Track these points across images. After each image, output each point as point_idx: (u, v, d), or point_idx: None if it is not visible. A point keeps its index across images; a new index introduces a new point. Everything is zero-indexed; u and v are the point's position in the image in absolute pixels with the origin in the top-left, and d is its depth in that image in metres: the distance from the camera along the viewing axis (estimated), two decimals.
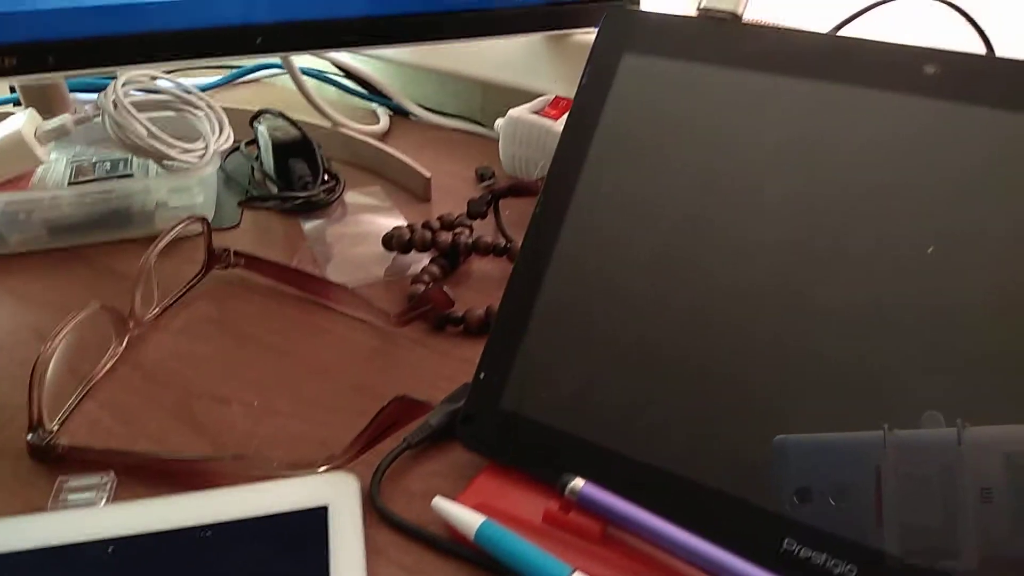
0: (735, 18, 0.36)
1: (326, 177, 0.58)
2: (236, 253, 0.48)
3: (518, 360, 0.35)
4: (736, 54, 0.35)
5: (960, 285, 0.29)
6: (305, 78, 0.65)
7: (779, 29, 0.35)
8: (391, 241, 0.50)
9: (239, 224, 0.55)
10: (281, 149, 0.55)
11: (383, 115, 0.74)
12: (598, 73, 0.37)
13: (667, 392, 0.32)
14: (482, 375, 0.35)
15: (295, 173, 0.54)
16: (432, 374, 0.41)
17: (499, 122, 0.62)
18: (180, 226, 0.46)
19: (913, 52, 0.32)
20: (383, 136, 0.71)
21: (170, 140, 0.49)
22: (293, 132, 0.55)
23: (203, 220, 0.46)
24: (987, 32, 0.47)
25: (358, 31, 0.56)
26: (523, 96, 0.67)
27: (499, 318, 0.36)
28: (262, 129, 0.57)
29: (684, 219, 0.34)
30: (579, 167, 0.36)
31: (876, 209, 0.31)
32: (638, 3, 0.64)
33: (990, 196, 0.29)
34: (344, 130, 0.64)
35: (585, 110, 0.37)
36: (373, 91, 0.76)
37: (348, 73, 0.75)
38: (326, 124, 0.65)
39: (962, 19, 0.41)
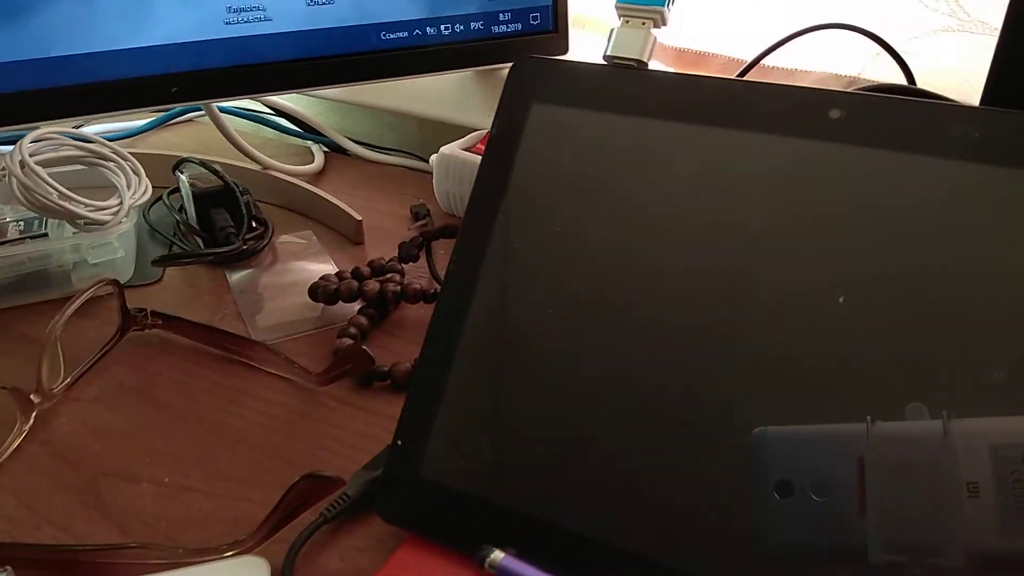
0: (641, 65, 0.35)
1: (254, 224, 0.57)
2: (153, 313, 0.46)
3: (436, 425, 0.34)
4: (642, 102, 0.34)
5: (870, 332, 0.28)
6: (236, 119, 0.64)
7: (685, 76, 0.34)
8: (317, 292, 0.48)
9: (162, 278, 0.53)
10: (202, 199, 0.53)
11: (318, 153, 0.72)
12: (507, 124, 0.36)
13: (590, 454, 0.31)
14: (399, 442, 0.34)
15: (217, 224, 0.53)
16: (356, 435, 0.40)
17: (433, 158, 0.61)
18: (90, 291, 0.44)
19: (819, 96, 0.32)
20: (318, 175, 0.70)
21: (82, 200, 0.48)
22: (214, 181, 0.54)
23: (114, 283, 0.45)
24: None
25: (281, 75, 0.55)
26: (461, 129, 0.66)
27: (415, 381, 0.35)
28: (183, 179, 0.55)
29: (597, 273, 0.33)
30: (491, 222, 0.35)
31: (787, 257, 0.30)
32: (565, 43, 0.63)
33: (901, 239, 0.29)
34: (273, 173, 0.63)
35: (495, 163, 0.36)
36: (309, 128, 0.75)
37: (280, 112, 0.74)
38: (256, 167, 0.64)
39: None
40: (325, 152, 0.74)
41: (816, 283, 0.29)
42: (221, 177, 0.54)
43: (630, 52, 0.35)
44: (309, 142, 0.74)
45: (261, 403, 0.42)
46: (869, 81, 0.53)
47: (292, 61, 0.55)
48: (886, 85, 0.43)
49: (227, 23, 0.52)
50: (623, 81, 0.35)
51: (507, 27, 0.62)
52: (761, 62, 0.53)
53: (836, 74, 0.55)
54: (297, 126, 0.75)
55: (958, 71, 0.51)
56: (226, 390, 0.43)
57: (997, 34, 0.36)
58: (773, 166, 0.31)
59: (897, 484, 0.27)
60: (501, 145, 0.36)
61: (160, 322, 0.46)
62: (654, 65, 0.65)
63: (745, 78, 0.52)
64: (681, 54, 0.62)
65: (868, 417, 0.27)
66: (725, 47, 0.59)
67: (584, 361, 0.32)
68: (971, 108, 0.30)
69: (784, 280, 0.30)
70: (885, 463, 0.27)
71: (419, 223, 0.61)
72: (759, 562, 0.28)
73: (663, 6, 0.35)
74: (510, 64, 0.63)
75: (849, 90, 0.32)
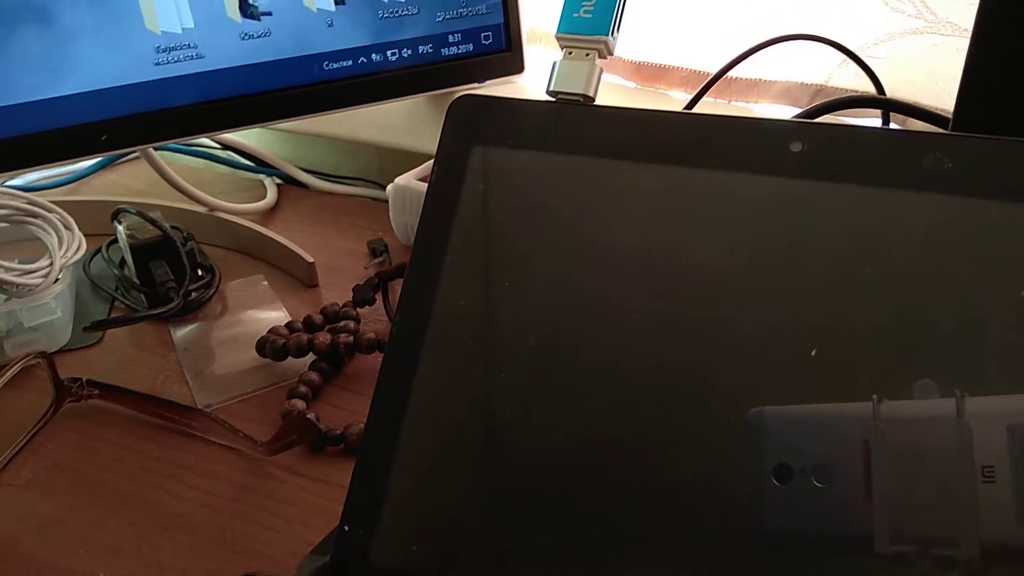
0: (587, 100, 0.32)
1: (200, 271, 0.54)
2: (90, 383, 0.43)
3: (385, 506, 0.31)
4: (590, 140, 0.31)
5: (845, 378, 0.26)
6: (183, 156, 0.61)
7: (635, 111, 0.31)
8: (264, 348, 0.45)
9: (103, 338, 0.50)
10: (140, 252, 0.50)
11: (271, 187, 0.69)
12: (447, 168, 0.34)
13: (546, 529, 0.29)
14: (346, 527, 0.31)
15: (157, 279, 0.49)
16: (307, 510, 0.37)
17: (389, 188, 0.58)
18: (17, 366, 0.41)
19: (778, 129, 0.29)
20: (271, 211, 0.67)
21: (6, 264, 0.45)
22: (153, 231, 0.51)
23: (43, 355, 0.42)
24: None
25: (218, 114, 0.52)
26: (420, 155, 0.63)
27: (360, 457, 0.32)
28: (120, 230, 0.52)
29: (547, 326, 0.30)
30: (436, 275, 0.33)
31: (748, 301, 0.28)
32: (520, 61, 0.61)
33: (869, 276, 0.26)
34: (220, 214, 0.60)
35: (437, 211, 0.33)
36: (260, 161, 0.72)
37: (228, 146, 0.71)
38: (203, 208, 0.60)
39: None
40: (279, 184, 0.71)
41: (781, 331, 0.27)
42: (159, 227, 0.50)
43: (574, 86, 0.32)
44: (262, 175, 0.71)
45: (204, 478, 0.39)
46: (836, 89, 0.51)
47: (229, 99, 0.52)
48: (852, 98, 0.41)
49: (156, 64, 0.49)
50: (568, 118, 0.32)
51: (458, 48, 0.59)
52: (725, 74, 0.51)
53: (802, 83, 0.52)
54: (248, 159, 0.72)
55: (928, 74, 0.48)
56: (166, 466, 0.40)
57: (967, 35, 0.34)
58: (731, 204, 0.29)
59: (906, 468, 0.24)
60: (442, 191, 0.33)
61: (97, 392, 0.43)
62: (612, 80, 0.63)
63: (705, 99, 0.49)
64: (640, 67, 0.59)
65: (874, 396, 0.25)
66: (687, 59, 0.57)
67: (537, 426, 0.30)
68: (938, 136, 0.27)
69: (749, 326, 0.27)
70: (893, 446, 0.24)
71: (377, 260, 0.58)
72: (757, 552, 0.25)
73: (607, 35, 0.32)
74: (466, 86, 0.61)
75: (810, 120, 0.29)
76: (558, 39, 0.33)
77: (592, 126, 0.32)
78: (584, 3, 0.32)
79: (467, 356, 0.31)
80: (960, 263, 0.26)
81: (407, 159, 0.64)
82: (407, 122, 0.66)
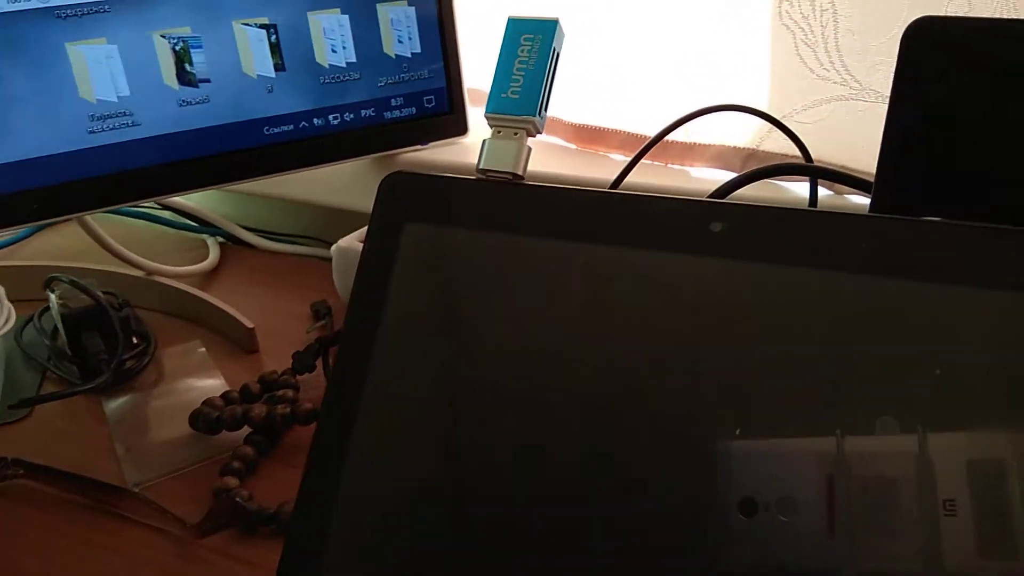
0: (516, 178, 0.33)
1: (135, 339, 0.53)
2: (15, 461, 0.42)
3: None
4: (518, 219, 0.32)
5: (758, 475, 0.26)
6: (123, 217, 0.60)
7: (562, 190, 0.32)
8: (197, 422, 0.44)
9: (31, 413, 0.49)
10: (72, 322, 0.49)
11: (214, 247, 0.69)
12: (379, 246, 0.34)
13: None
14: None
15: (89, 350, 0.48)
16: None
17: (332, 250, 0.58)
18: None
19: (699, 209, 0.30)
20: (213, 272, 0.66)
21: None
22: (85, 300, 0.49)
23: None
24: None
25: (155, 180, 0.51)
26: (366, 216, 0.63)
27: (287, 543, 0.31)
28: (53, 299, 0.51)
29: (477, 399, 0.30)
30: (366, 358, 0.32)
31: (666, 380, 0.28)
32: (464, 123, 0.61)
33: (790, 353, 0.27)
34: (158, 278, 0.59)
35: (368, 290, 0.33)
36: (204, 221, 0.71)
37: (168, 207, 0.70)
38: (140, 272, 0.59)
39: None
40: (222, 244, 0.70)
41: (698, 417, 0.27)
42: (92, 295, 0.49)
43: (503, 165, 0.33)
44: (204, 235, 0.71)
45: (132, 563, 0.37)
46: (768, 153, 0.53)
47: (166, 165, 0.51)
48: (781, 165, 0.42)
49: (91, 132, 0.49)
50: (497, 196, 0.33)
51: (400, 112, 0.59)
52: (662, 138, 0.52)
53: (735, 147, 0.54)
54: (190, 219, 0.71)
55: (855, 139, 0.50)
56: (95, 549, 0.38)
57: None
58: (654, 283, 0.29)
59: (869, 502, 0.25)
60: (373, 269, 0.33)
61: (22, 472, 0.42)
62: (553, 141, 0.64)
63: (644, 162, 0.50)
64: (580, 130, 0.60)
65: (838, 431, 0.25)
66: (625, 122, 0.58)
67: (473, 506, 0.29)
68: (855, 217, 0.28)
69: (670, 403, 0.28)
70: (856, 480, 0.25)
71: (319, 323, 0.57)
72: None
73: (535, 115, 0.32)
74: (410, 148, 0.61)
75: (725, 201, 0.30)
76: (487, 119, 0.33)
77: (520, 204, 0.32)
78: (512, 84, 0.33)
79: (398, 433, 0.31)
80: (872, 341, 0.26)
81: (355, 217, 0.64)
82: (353, 182, 0.66)
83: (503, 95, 0.33)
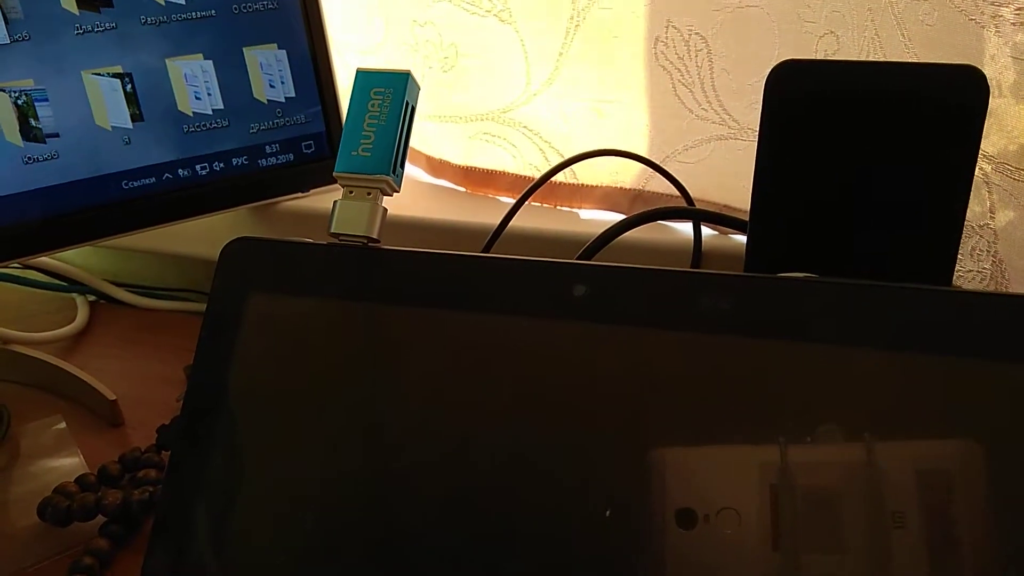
0: (371, 241, 0.31)
1: None
2: None
3: None
4: (372, 285, 0.29)
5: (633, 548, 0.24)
6: None
7: (419, 254, 0.30)
8: (46, 513, 0.40)
9: None
10: None
11: (83, 306, 0.64)
12: (220, 317, 0.31)
13: None
14: None
15: None
16: None
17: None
18: None
19: (562, 272, 0.28)
20: (81, 334, 0.61)
21: None
22: None
23: None
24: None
25: (11, 241, 0.47)
26: None
27: None
28: None
29: (325, 473, 0.28)
30: (208, 440, 0.29)
31: (532, 447, 0.26)
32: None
33: (657, 420, 0.25)
34: (15, 347, 0.54)
35: (208, 364, 0.30)
36: (73, 279, 0.66)
37: (28, 265, 0.65)
38: None
39: None
40: (93, 303, 0.65)
41: (569, 491, 0.25)
42: None
43: (356, 228, 0.30)
44: (73, 294, 0.66)
45: None
46: (653, 194, 0.52)
47: (12, 226, 0.47)
48: (663, 209, 0.41)
49: None
50: (350, 262, 0.30)
51: (277, 159, 0.56)
52: (549, 180, 0.51)
53: (622, 187, 0.53)
54: (56, 277, 0.66)
55: (736, 178, 0.50)
56: None
57: None
58: (515, 350, 0.27)
59: (814, 514, 0.24)
60: (214, 342, 0.30)
61: None
62: (442, 184, 0.62)
63: (532, 203, 0.49)
64: (469, 172, 0.58)
65: (781, 438, 0.24)
66: (513, 165, 0.56)
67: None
68: (720, 276, 0.27)
69: (544, 472, 0.26)
70: (801, 490, 0.24)
71: None
72: None
73: (388, 174, 0.30)
74: (291, 196, 0.58)
75: (591, 263, 0.28)
76: (337, 178, 0.31)
77: (374, 270, 0.30)
78: (363, 141, 0.31)
79: (243, 515, 0.28)
80: (741, 402, 0.25)
81: None
82: (232, 234, 0.62)
83: (353, 153, 0.31)
